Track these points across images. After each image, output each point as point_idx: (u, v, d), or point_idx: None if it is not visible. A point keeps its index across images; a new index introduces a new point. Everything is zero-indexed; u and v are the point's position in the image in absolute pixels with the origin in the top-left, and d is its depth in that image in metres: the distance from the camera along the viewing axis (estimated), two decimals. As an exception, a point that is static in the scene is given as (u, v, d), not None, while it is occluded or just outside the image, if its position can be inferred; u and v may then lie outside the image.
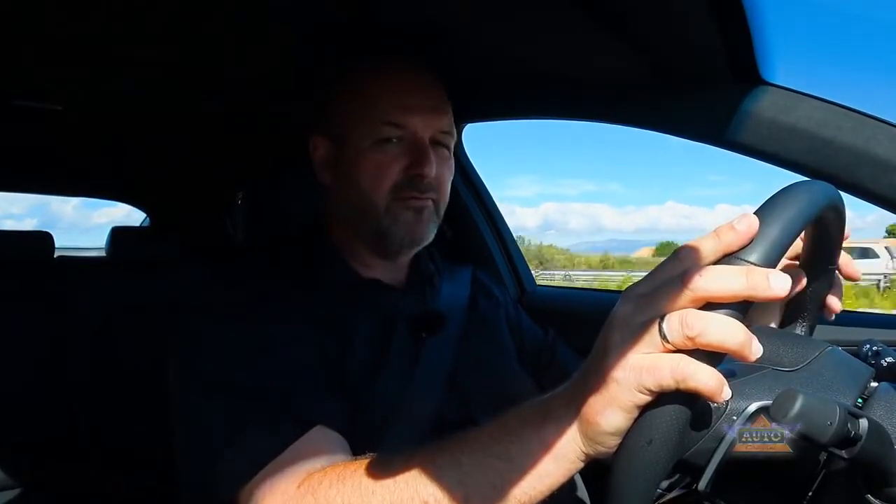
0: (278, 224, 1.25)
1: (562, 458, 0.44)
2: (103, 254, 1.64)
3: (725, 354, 0.38)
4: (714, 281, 0.38)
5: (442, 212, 0.82)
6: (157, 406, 0.74)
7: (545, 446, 0.44)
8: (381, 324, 0.77)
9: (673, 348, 0.38)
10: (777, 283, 0.37)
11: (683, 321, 0.38)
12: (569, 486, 0.46)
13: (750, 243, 0.39)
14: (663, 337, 0.38)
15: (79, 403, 1.30)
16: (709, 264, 0.40)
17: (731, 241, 0.40)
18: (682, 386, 0.38)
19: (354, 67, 0.81)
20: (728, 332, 0.37)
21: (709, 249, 0.41)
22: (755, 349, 0.38)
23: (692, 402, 0.39)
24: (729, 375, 0.38)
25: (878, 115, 0.72)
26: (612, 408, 0.40)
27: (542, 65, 0.99)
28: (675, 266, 0.41)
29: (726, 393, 0.38)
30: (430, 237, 0.82)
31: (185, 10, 0.86)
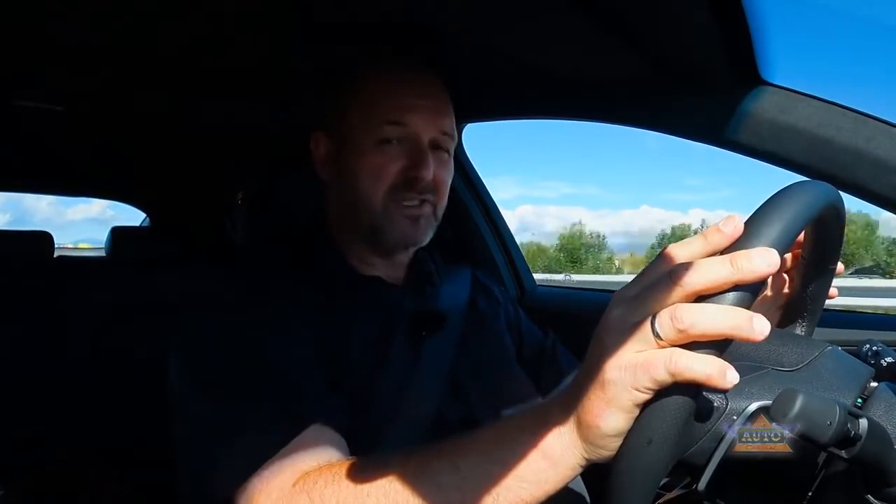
0: (278, 223, 1.25)
1: (561, 465, 0.44)
2: (86, 251, 1.64)
3: (728, 342, 0.38)
4: (701, 273, 0.38)
5: (440, 213, 0.83)
6: (157, 406, 0.74)
7: (543, 453, 0.44)
8: (381, 322, 0.77)
9: (667, 345, 0.38)
10: (761, 260, 0.37)
11: (673, 316, 0.37)
12: (567, 486, 0.46)
13: (749, 243, 0.39)
14: (656, 335, 0.38)
15: (78, 403, 1.29)
16: None
17: (719, 243, 0.40)
18: (678, 379, 0.37)
19: (358, 66, 0.81)
20: (719, 319, 0.37)
21: (696, 250, 0.41)
22: (758, 327, 0.36)
23: (693, 396, 0.39)
24: None
25: (878, 115, 0.72)
26: (611, 409, 0.40)
27: (542, 65, 0.99)
28: (663, 266, 0.41)
29: (731, 377, 0.37)
30: (427, 240, 0.83)
31: (186, 10, 0.86)
